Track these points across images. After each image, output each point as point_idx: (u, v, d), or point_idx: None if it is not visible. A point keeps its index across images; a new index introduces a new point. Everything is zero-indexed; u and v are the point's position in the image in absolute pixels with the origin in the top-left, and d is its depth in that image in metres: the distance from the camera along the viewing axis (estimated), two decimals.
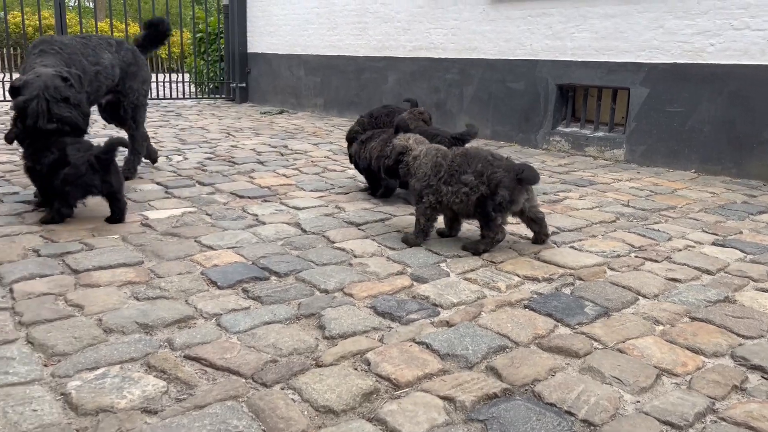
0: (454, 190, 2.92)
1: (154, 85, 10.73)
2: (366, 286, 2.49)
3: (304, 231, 3.25)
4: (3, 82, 9.18)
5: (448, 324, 2.18)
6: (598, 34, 5.79)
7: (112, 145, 3.21)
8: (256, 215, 3.52)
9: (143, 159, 4.63)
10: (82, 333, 2.02)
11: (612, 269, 2.80)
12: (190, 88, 11.44)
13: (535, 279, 2.64)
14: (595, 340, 2.09)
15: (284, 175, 4.67)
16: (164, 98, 10.53)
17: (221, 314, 2.20)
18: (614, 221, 3.61)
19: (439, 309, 2.31)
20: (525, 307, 2.35)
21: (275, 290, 2.43)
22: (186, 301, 2.31)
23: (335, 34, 8.86)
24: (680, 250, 3.08)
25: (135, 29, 16.90)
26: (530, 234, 3.26)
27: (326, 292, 2.44)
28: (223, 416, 1.60)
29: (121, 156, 4.63)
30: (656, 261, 2.91)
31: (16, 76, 5.20)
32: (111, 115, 4.46)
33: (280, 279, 2.57)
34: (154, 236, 3.08)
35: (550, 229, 3.36)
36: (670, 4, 5.27)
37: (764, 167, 4.87)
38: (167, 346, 1.97)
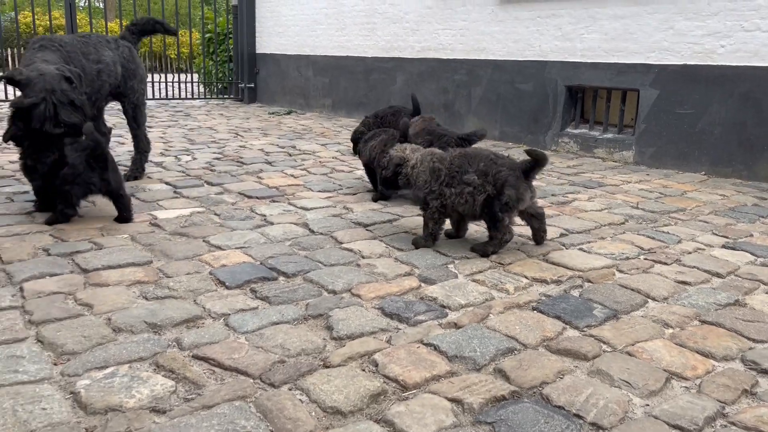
0: (457, 192, 2.90)
1: (163, 85, 10.81)
2: (374, 287, 2.49)
3: (312, 231, 3.25)
4: None
5: (456, 325, 2.17)
6: (608, 36, 5.77)
7: (100, 142, 3.21)
8: (264, 215, 3.53)
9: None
10: (92, 332, 2.03)
11: (621, 272, 2.78)
12: (198, 89, 11.49)
13: (543, 281, 2.63)
14: (604, 342, 2.08)
15: (292, 176, 4.68)
16: (173, 98, 10.58)
17: (229, 314, 2.21)
18: (623, 223, 3.59)
19: (447, 310, 2.31)
20: (533, 309, 2.34)
21: (283, 290, 2.43)
22: (194, 300, 2.32)
23: (344, 34, 8.87)
24: (690, 253, 3.07)
25: None
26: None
27: (334, 292, 2.44)
28: (231, 416, 1.60)
29: (125, 155, 4.65)
30: (666, 264, 2.90)
31: None
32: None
33: (288, 279, 2.57)
34: (163, 236, 3.10)
35: (559, 231, 3.36)
36: (680, 6, 5.25)
37: None
38: (176, 346, 1.97)
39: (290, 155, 5.61)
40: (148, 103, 9.96)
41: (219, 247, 2.94)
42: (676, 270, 2.81)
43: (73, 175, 3.13)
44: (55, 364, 1.84)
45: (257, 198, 3.94)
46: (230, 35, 10.92)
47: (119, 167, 4.21)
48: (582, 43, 5.98)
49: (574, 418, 1.65)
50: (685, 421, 1.64)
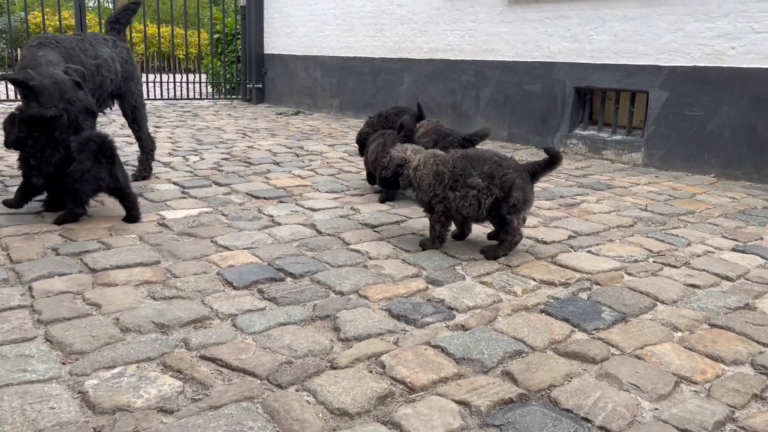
0: (461, 195, 2.88)
1: (171, 85, 10.84)
2: (381, 289, 2.49)
3: (320, 232, 3.25)
4: None
5: (464, 328, 2.17)
6: (617, 37, 5.74)
7: (107, 137, 3.23)
8: (272, 216, 3.53)
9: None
10: (100, 332, 2.03)
11: (629, 274, 2.77)
12: (206, 89, 11.52)
13: (551, 283, 2.62)
14: (613, 345, 2.07)
15: (300, 176, 4.68)
16: (181, 98, 10.61)
17: (237, 315, 2.21)
18: (632, 226, 3.57)
19: (455, 312, 2.30)
20: (541, 311, 2.33)
21: (290, 291, 2.43)
22: (202, 301, 2.32)
23: (351, 35, 8.87)
24: (699, 256, 3.05)
25: (153, 30, 17.05)
26: (547, 238, 3.24)
27: (341, 293, 2.44)
28: (239, 417, 1.60)
29: (134, 155, 4.67)
30: (675, 266, 2.88)
31: None
32: None
33: (295, 280, 2.57)
34: (171, 236, 3.10)
35: (567, 234, 3.34)
36: (690, 7, 5.22)
37: None
38: (183, 346, 1.97)
39: (298, 156, 5.61)
40: (157, 103, 10.03)
41: (226, 248, 2.94)
42: (686, 273, 2.79)
43: (81, 172, 3.14)
44: (64, 364, 1.84)
45: (265, 198, 3.95)
46: (238, 36, 10.94)
47: (127, 167, 4.22)
48: (591, 45, 5.96)
49: (582, 421, 1.64)
50: (694, 426, 1.63)
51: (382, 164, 3.19)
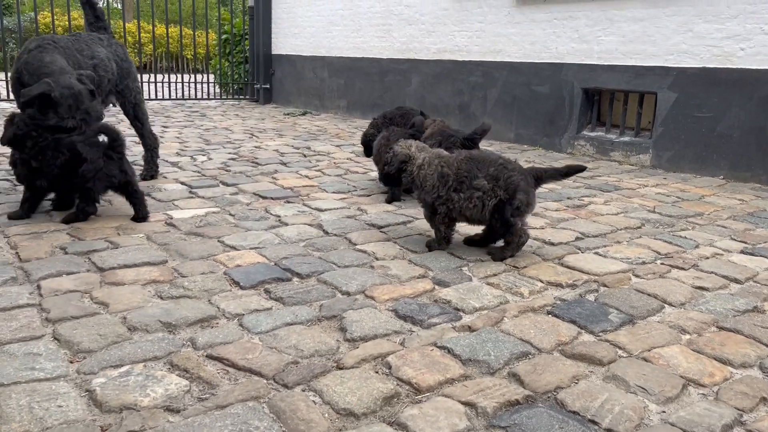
0: (466, 197, 2.87)
1: (179, 85, 10.88)
2: (388, 289, 2.49)
3: (326, 232, 3.26)
4: None
5: (470, 329, 2.16)
6: (626, 38, 5.72)
7: (117, 133, 3.25)
8: (279, 216, 3.54)
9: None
10: (107, 330, 2.04)
11: (637, 276, 2.76)
12: (214, 89, 11.56)
13: (558, 285, 2.62)
14: (620, 348, 2.06)
15: (307, 177, 4.69)
16: (189, 99, 10.65)
17: (243, 314, 2.21)
18: (640, 227, 3.56)
19: (461, 313, 2.30)
20: (548, 313, 2.33)
21: (297, 291, 2.44)
22: (209, 300, 2.33)
23: (359, 36, 8.88)
24: (708, 258, 3.03)
25: (161, 30, 17.12)
26: (555, 239, 3.23)
27: (348, 294, 2.44)
28: (245, 417, 1.61)
29: (139, 155, 4.69)
30: (683, 269, 2.87)
31: None
32: None
33: (302, 280, 2.58)
34: (178, 236, 3.11)
35: (574, 235, 3.33)
36: (699, 8, 5.19)
37: None
38: (190, 346, 1.98)
39: (305, 156, 5.62)
40: (165, 103, 10.07)
41: (233, 248, 2.95)
42: (694, 275, 2.78)
43: (94, 171, 3.16)
44: (71, 362, 1.85)
45: (272, 199, 3.95)
46: (246, 36, 10.97)
47: (136, 167, 4.24)
48: (599, 46, 5.94)
49: (589, 423, 1.63)
50: (701, 429, 1.62)
51: (385, 160, 3.15)
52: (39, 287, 2.38)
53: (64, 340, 1.97)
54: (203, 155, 5.49)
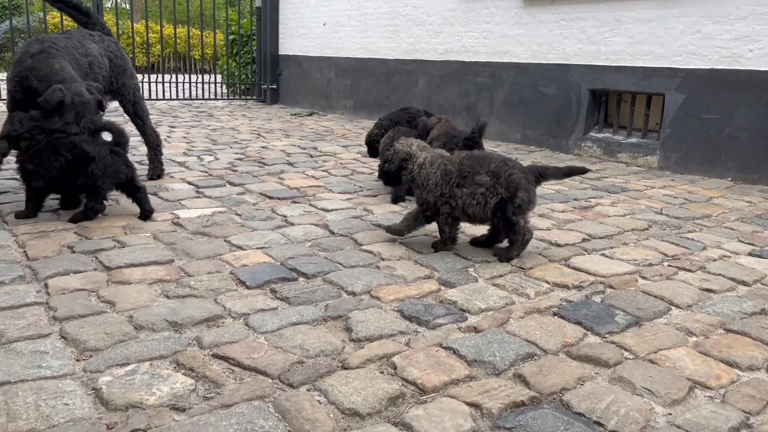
0: (469, 192, 2.86)
1: (187, 85, 10.92)
2: (393, 290, 2.49)
3: (332, 233, 3.26)
4: None
5: (476, 330, 2.16)
6: (634, 39, 5.70)
7: (122, 130, 3.30)
8: (285, 216, 3.54)
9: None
10: (114, 329, 2.05)
11: (644, 278, 2.75)
12: (221, 89, 11.58)
13: (564, 286, 2.61)
14: (626, 349, 2.06)
15: (313, 177, 4.69)
16: (196, 99, 10.68)
17: (249, 314, 2.22)
18: (647, 229, 3.55)
19: (467, 314, 2.29)
20: (554, 314, 2.32)
21: (303, 291, 2.44)
22: (215, 300, 2.33)
23: (366, 36, 8.88)
24: (715, 260, 3.02)
25: (169, 30, 17.17)
26: (561, 240, 3.23)
27: (353, 294, 2.44)
28: (250, 416, 1.61)
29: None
30: (690, 271, 2.85)
31: None
32: None
33: (307, 280, 2.58)
34: (185, 235, 3.12)
35: (581, 236, 3.33)
36: (707, 9, 5.17)
37: None
38: (196, 345, 1.99)
39: (311, 156, 5.63)
40: (173, 103, 10.10)
41: (240, 247, 2.95)
42: (701, 277, 2.77)
43: (103, 168, 3.18)
44: (78, 360, 1.86)
45: (278, 199, 3.96)
46: (253, 37, 10.99)
47: (143, 166, 4.27)
48: (607, 47, 5.92)
49: (594, 425, 1.63)
50: None
51: (386, 157, 3.12)
52: (46, 286, 2.39)
53: (70, 338, 1.98)
54: (210, 155, 5.50)
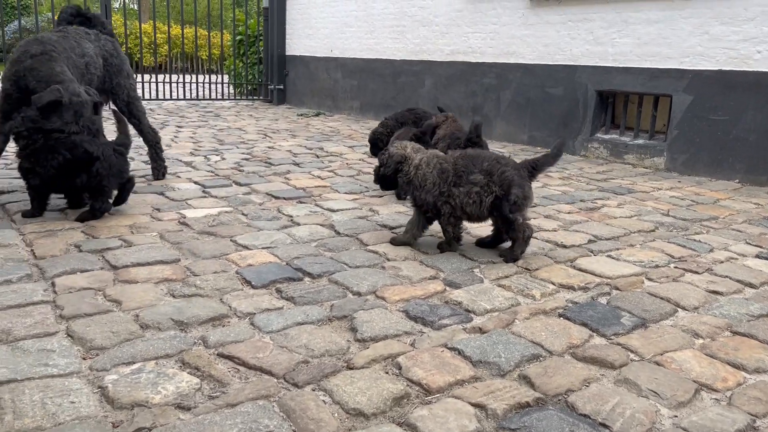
0: (465, 191, 2.87)
1: (194, 85, 10.96)
2: (399, 290, 2.49)
3: (338, 233, 3.26)
4: None
5: (481, 330, 2.16)
6: (641, 40, 5.68)
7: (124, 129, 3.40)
8: (291, 216, 3.55)
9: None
10: (120, 328, 2.06)
11: (650, 280, 2.74)
12: (228, 90, 11.61)
13: (570, 287, 2.60)
14: (632, 351, 2.05)
15: (319, 177, 4.70)
16: (203, 99, 10.71)
17: (255, 313, 2.22)
18: (653, 231, 3.53)
19: (472, 315, 2.29)
20: (560, 315, 2.31)
21: (308, 291, 2.44)
22: (221, 299, 2.34)
23: (373, 37, 8.89)
24: (722, 262, 3.00)
25: (177, 31, 17.23)
26: (567, 241, 3.22)
27: (359, 294, 2.45)
28: (255, 415, 1.61)
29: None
30: (697, 272, 2.84)
31: None
32: None
33: (313, 280, 2.58)
34: (191, 234, 3.13)
35: (587, 238, 3.32)
36: (715, 10, 5.15)
37: None
38: (201, 344, 1.99)
39: (318, 157, 5.63)
40: (180, 103, 10.13)
41: (246, 247, 2.96)
42: (708, 279, 2.76)
43: (108, 168, 3.20)
44: (84, 359, 1.87)
45: (284, 199, 3.97)
46: (261, 37, 11.02)
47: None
48: (614, 48, 5.90)
49: (599, 427, 1.62)
50: None
51: (381, 161, 3.12)
52: (53, 284, 2.41)
53: (77, 337, 1.99)
54: (217, 155, 5.52)
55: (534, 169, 2.94)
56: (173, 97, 10.53)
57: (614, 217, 3.79)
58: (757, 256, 3.12)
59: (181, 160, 5.14)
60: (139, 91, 9.55)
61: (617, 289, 2.61)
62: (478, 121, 4.05)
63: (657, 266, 2.91)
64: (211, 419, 1.59)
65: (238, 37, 11.91)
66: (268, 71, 10.80)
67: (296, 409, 1.64)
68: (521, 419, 1.64)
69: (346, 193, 4.21)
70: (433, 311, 2.29)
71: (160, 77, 10.67)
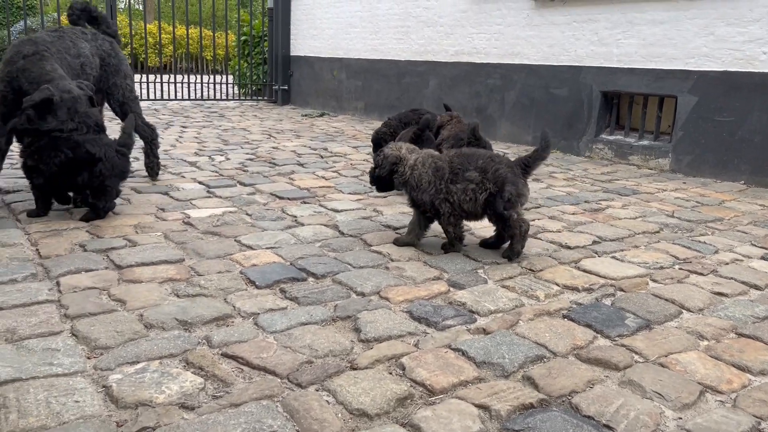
0: (462, 188, 2.87)
1: (198, 86, 10.98)
2: (402, 291, 2.49)
3: (342, 233, 3.26)
4: None
5: (485, 331, 2.15)
6: (646, 41, 5.67)
7: (131, 131, 3.44)
8: (295, 216, 3.55)
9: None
10: (124, 327, 2.06)
11: (655, 281, 2.73)
12: (233, 90, 11.62)
13: (574, 288, 2.60)
14: (636, 353, 2.04)
15: (323, 177, 4.70)
16: (208, 99, 10.73)
17: (259, 314, 2.22)
18: (658, 232, 3.52)
19: (476, 316, 2.29)
20: (564, 316, 2.31)
21: (312, 291, 2.44)
22: (225, 299, 2.34)
23: (377, 38, 8.89)
24: (727, 264, 2.99)
25: (182, 31, 17.28)
26: (571, 242, 3.21)
27: (362, 294, 2.45)
28: (259, 415, 1.61)
29: (162, 157, 4.75)
30: (701, 274, 2.83)
31: None
32: None
33: (317, 280, 2.58)
34: (195, 234, 3.14)
35: (591, 239, 3.31)
36: (721, 11, 5.13)
37: None
38: (205, 344, 1.99)
39: (322, 157, 5.64)
40: (185, 103, 10.15)
41: (250, 247, 2.96)
42: (713, 281, 2.75)
43: (111, 168, 3.21)
44: (89, 358, 1.87)
45: (288, 199, 3.97)
46: (265, 38, 11.03)
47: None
48: (619, 49, 5.89)
49: (603, 428, 1.62)
50: None
51: (376, 162, 3.12)
52: (58, 284, 2.41)
53: (81, 336, 1.99)
54: (221, 155, 5.53)
55: (527, 166, 2.94)
56: (178, 98, 10.55)
57: (619, 218, 3.78)
58: (763, 258, 3.11)
59: (185, 160, 5.15)
60: (144, 92, 9.57)
61: (622, 290, 2.60)
62: (474, 123, 4.07)
63: (662, 267, 2.90)
64: (215, 419, 1.59)
65: (243, 38, 11.93)
66: (273, 72, 10.82)
67: (300, 410, 1.64)
68: (525, 420, 1.63)
69: (350, 193, 4.21)
70: (436, 312, 2.29)
71: (165, 77, 10.69)
